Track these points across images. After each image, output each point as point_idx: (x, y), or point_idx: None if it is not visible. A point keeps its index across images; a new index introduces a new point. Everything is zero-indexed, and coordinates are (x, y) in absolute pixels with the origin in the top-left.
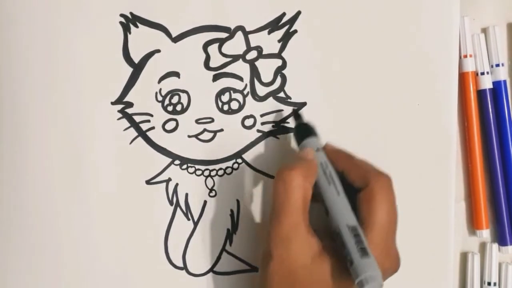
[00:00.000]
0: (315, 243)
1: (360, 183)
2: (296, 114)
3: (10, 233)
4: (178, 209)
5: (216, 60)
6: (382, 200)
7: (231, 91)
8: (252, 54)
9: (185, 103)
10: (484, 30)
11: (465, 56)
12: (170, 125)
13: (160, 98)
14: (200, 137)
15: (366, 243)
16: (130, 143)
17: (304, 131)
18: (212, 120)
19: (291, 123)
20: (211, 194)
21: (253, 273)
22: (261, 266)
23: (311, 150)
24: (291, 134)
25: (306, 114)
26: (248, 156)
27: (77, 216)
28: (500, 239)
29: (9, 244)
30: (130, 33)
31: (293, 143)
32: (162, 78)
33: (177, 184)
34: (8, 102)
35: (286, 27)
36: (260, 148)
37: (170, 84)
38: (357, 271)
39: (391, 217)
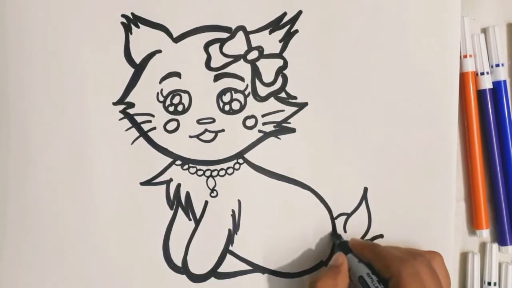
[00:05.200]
0: None
1: (385, 273)
2: (334, 235)
3: (12, 232)
4: (180, 209)
5: (217, 60)
6: None
7: (232, 91)
8: (253, 54)
9: (186, 103)
10: (484, 30)
11: (465, 56)
12: (172, 126)
13: (161, 99)
14: (202, 137)
15: None
16: (132, 143)
17: (345, 248)
18: (213, 121)
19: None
20: (212, 194)
21: (255, 274)
22: None
23: (339, 255)
24: (292, 134)
25: (307, 114)
26: (250, 156)
27: (79, 216)
28: (500, 239)
29: (11, 244)
30: (131, 33)
31: (293, 143)
32: (163, 79)
33: (178, 184)
34: (10, 105)
35: (287, 27)
36: (261, 148)
37: (171, 84)
38: None
39: None
